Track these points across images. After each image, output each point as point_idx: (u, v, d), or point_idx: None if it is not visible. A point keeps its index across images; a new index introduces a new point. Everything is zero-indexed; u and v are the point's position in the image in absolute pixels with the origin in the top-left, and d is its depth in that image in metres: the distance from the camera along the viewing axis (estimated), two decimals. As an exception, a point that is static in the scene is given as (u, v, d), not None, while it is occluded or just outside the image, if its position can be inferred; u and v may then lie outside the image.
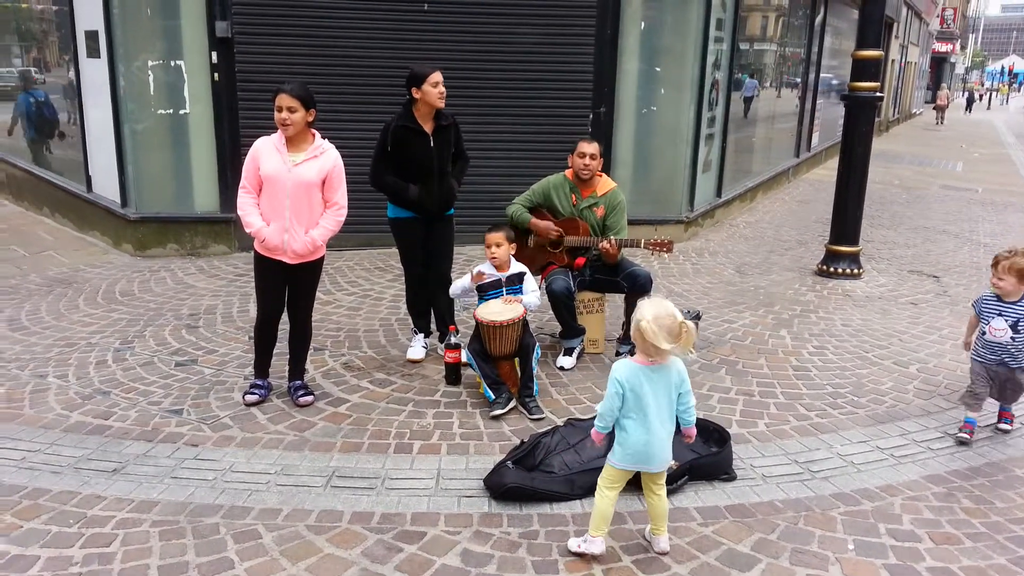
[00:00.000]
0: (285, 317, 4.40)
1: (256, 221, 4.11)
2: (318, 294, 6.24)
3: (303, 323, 4.42)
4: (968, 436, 4.07)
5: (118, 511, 3.28)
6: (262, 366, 4.44)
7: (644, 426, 2.93)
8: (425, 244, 4.93)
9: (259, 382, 4.42)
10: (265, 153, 4.09)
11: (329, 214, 4.20)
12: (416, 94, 4.61)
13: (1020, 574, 3.01)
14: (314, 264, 4.29)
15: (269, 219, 4.11)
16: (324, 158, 4.13)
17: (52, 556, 2.99)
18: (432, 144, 4.71)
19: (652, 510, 3.10)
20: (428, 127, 4.70)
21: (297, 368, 4.46)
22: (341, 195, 4.21)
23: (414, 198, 4.72)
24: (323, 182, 4.13)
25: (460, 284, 4.68)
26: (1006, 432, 4.19)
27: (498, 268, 4.59)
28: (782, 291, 6.77)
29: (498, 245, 4.53)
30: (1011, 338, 3.99)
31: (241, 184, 4.15)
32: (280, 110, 3.99)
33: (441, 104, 4.65)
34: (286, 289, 4.32)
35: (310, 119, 4.08)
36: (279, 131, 4.07)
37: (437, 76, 4.58)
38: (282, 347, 4.50)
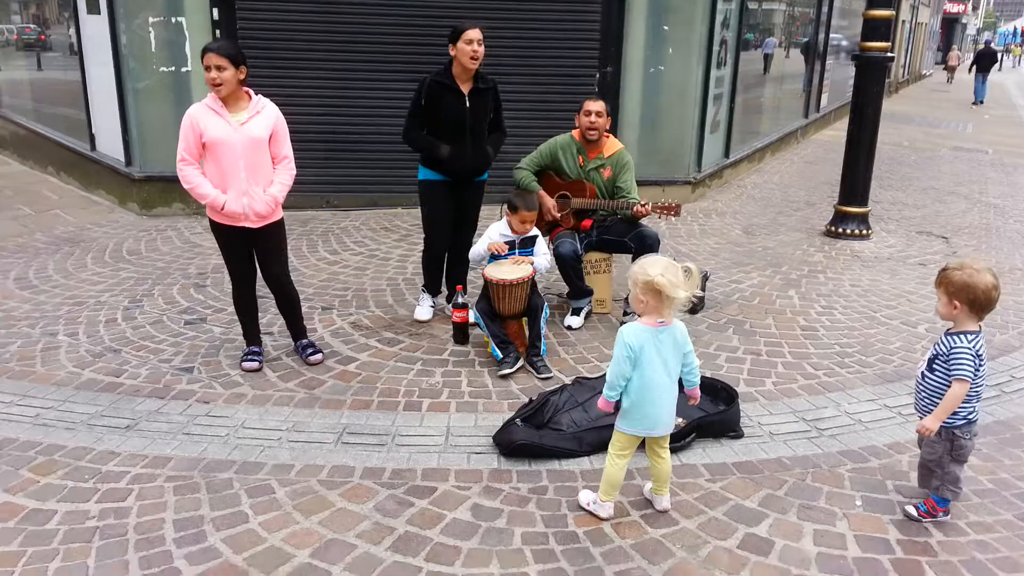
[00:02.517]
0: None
1: (211, 191, 3.93)
2: (324, 253, 6.27)
3: (283, 286, 4.31)
4: (915, 512, 3.09)
5: (132, 467, 3.32)
6: (251, 334, 4.37)
7: (651, 390, 2.90)
8: (453, 208, 4.83)
9: (255, 348, 4.35)
10: (205, 119, 3.89)
11: (282, 169, 4.08)
12: (452, 51, 4.49)
13: (1025, 529, 3.04)
14: (276, 224, 4.14)
15: (223, 186, 3.94)
16: (267, 112, 3.99)
17: (69, 511, 3.02)
18: (468, 104, 4.58)
19: (656, 472, 3.09)
20: (465, 87, 4.57)
21: (297, 329, 4.43)
22: (288, 148, 4.10)
23: (444, 157, 4.61)
24: (270, 137, 4.00)
25: (478, 251, 4.60)
26: (911, 519, 3.10)
27: (514, 232, 4.57)
28: (790, 252, 6.75)
29: (523, 221, 4.50)
30: (921, 374, 3.05)
31: (180, 156, 3.92)
32: (209, 69, 3.82)
33: (472, 65, 4.48)
34: (253, 253, 4.19)
35: (241, 77, 3.90)
36: (211, 94, 3.91)
37: (472, 33, 4.42)
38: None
